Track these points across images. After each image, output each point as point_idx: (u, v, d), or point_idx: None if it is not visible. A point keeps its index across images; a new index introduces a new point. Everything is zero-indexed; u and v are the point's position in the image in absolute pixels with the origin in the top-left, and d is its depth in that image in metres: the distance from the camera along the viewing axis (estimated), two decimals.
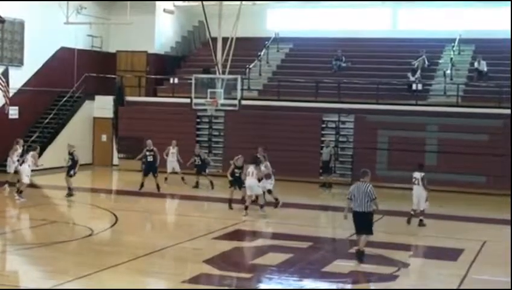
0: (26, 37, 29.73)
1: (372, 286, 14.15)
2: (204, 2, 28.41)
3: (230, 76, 27.36)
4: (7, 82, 27.29)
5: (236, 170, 21.45)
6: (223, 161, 29.45)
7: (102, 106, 32.28)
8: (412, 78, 29.59)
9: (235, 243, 16.91)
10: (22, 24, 29.63)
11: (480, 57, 29.62)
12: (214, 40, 28.04)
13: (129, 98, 32.22)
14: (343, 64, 31.55)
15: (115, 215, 20.03)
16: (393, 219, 20.32)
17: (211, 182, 25.76)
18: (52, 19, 30.72)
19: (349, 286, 13.99)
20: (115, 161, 31.91)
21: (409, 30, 32.90)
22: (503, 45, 30.17)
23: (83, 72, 32.18)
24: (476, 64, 29.65)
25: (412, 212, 19.60)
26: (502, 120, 26.67)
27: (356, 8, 33.82)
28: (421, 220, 19.41)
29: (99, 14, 33.38)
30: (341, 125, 28.96)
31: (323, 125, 29.14)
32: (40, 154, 24.40)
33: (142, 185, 24.60)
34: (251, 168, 20.51)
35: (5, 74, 27.39)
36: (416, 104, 28.46)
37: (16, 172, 23.17)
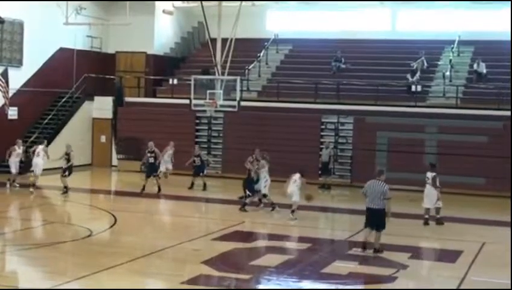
0: (26, 37, 29.72)
1: (371, 287, 14.14)
2: (203, 3, 28.43)
3: (230, 77, 27.32)
4: (6, 83, 27.26)
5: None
6: (222, 162, 29.44)
7: (102, 106, 32.28)
8: (411, 80, 29.60)
9: (234, 244, 16.89)
10: (21, 24, 29.60)
11: (480, 58, 29.61)
12: (213, 41, 28.04)
13: (128, 99, 32.24)
14: (343, 66, 31.53)
15: (113, 216, 20.02)
16: (393, 220, 20.22)
17: (204, 184, 25.65)
18: (52, 20, 30.73)
19: (348, 287, 13.96)
20: (114, 161, 31.87)
21: (408, 32, 32.87)
22: (502, 47, 30.13)
23: (82, 72, 32.16)
24: (475, 66, 29.64)
25: (427, 216, 19.94)
26: (501, 122, 26.67)
27: (355, 9, 33.80)
28: (438, 219, 19.90)
29: (99, 14, 33.37)
30: (340, 127, 28.95)
31: (323, 127, 29.13)
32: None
33: (143, 188, 24.23)
34: (296, 176, 20.48)
35: (5, 75, 27.33)
36: (415, 106, 28.46)
37: (20, 173, 23.37)
